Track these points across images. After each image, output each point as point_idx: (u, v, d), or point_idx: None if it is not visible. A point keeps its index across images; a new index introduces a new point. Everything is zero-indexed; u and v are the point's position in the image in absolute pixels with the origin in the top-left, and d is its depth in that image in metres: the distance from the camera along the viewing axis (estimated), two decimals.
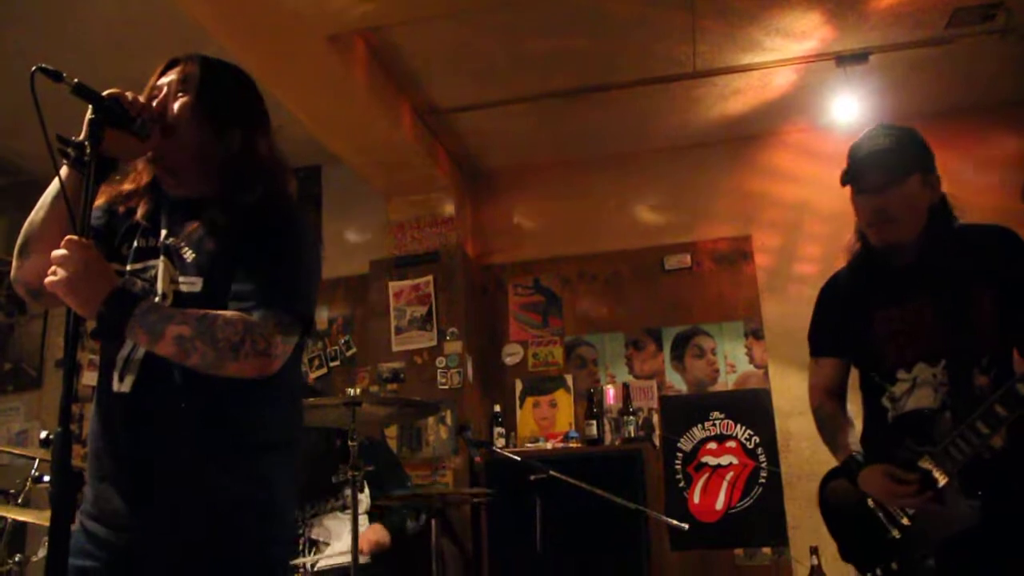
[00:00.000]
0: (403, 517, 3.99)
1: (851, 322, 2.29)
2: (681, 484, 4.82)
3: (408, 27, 4.04)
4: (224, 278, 1.60)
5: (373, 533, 3.81)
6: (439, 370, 4.96)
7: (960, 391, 2.05)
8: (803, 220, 5.05)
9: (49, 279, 1.46)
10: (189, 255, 1.64)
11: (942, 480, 2.04)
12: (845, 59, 4.37)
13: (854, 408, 2.36)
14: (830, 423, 2.34)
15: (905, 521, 2.14)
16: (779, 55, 4.41)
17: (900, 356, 2.17)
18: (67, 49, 4.04)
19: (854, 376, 2.37)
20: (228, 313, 1.54)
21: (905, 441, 2.11)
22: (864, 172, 2.15)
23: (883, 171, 2.12)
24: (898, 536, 2.15)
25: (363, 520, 3.79)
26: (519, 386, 5.20)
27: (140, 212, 1.72)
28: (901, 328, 2.17)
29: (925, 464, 2.06)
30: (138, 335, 1.50)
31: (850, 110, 4.59)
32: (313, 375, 5.34)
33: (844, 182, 2.21)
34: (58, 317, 5.81)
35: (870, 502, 2.20)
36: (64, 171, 1.57)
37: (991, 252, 2.12)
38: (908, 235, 2.16)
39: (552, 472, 3.32)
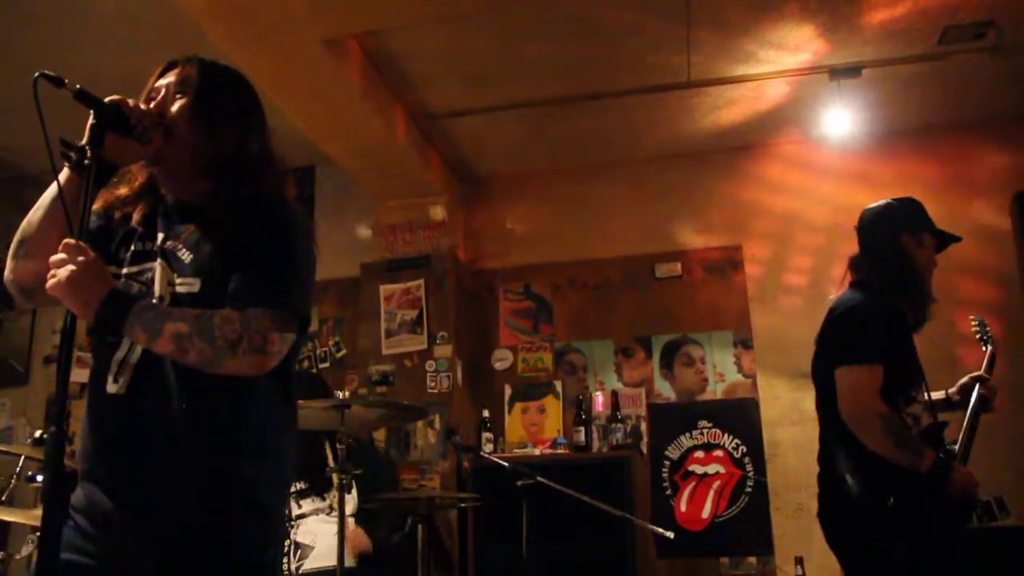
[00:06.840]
0: (389, 528, 3.98)
1: (903, 341, 2.66)
2: (668, 492, 4.82)
3: (403, 32, 4.05)
4: (222, 279, 1.60)
5: (355, 537, 3.80)
6: (429, 374, 4.96)
7: (935, 415, 2.70)
8: (794, 231, 5.07)
9: (50, 283, 1.46)
10: (186, 256, 1.64)
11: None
12: (838, 72, 4.40)
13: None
14: (903, 427, 2.57)
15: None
16: (773, 67, 4.43)
17: (921, 384, 2.68)
18: (66, 47, 4.04)
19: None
20: (225, 311, 1.54)
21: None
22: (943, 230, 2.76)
23: None
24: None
25: (348, 523, 3.78)
26: (508, 391, 5.20)
27: (136, 217, 1.72)
28: (919, 363, 2.68)
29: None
30: (136, 333, 1.51)
31: (842, 123, 4.62)
32: None
33: (938, 233, 2.73)
34: (46, 314, 5.78)
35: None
36: (64, 174, 1.57)
37: None
38: None
39: (539, 478, 3.32)
